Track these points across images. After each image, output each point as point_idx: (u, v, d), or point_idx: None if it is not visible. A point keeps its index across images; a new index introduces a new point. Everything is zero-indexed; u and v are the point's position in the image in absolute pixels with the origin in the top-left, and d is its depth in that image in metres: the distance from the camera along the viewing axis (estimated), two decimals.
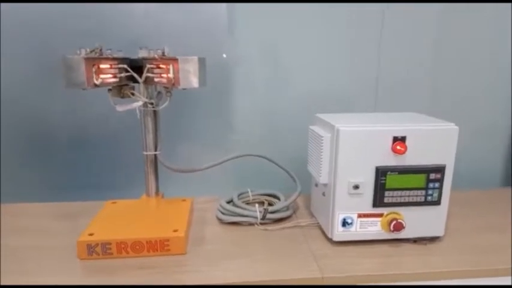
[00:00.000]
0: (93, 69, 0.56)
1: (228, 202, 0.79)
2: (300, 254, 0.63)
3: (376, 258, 0.61)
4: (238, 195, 0.80)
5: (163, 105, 0.64)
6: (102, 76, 0.58)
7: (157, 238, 0.62)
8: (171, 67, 0.57)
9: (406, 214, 0.63)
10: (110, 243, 0.61)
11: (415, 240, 0.65)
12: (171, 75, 0.57)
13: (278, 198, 0.81)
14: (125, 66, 0.64)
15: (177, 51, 0.60)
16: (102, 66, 0.59)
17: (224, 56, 0.85)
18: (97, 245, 0.61)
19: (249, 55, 0.87)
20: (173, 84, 0.58)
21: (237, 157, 0.79)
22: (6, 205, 0.80)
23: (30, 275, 0.57)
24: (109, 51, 0.61)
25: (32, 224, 0.73)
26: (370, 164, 0.61)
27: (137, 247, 0.61)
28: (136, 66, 0.66)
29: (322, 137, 0.63)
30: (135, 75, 0.65)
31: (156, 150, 0.74)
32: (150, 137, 0.73)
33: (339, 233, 0.63)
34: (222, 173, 0.84)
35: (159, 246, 0.62)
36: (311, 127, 0.70)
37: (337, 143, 0.60)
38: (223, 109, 0.90)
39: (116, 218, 0.69)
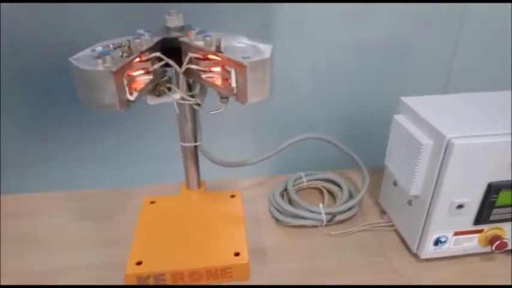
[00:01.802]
0: (125, 82, 0.39)
1: (281, 192, 0.68)
2: (381, 273, 0.54)
3: (471, 280, 0.53)
4: (293, 182, 0.69)
5: (217, 111, 0.48)
6: (136, 82, 0.42)
7: (218, 266, 0.52)
8: (233, 73, 0.40)
9: (508, 228, 0.53)
10: (164, 274, 0.52)
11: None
12: (233, 84, 0.41)
13: (338, 185, 0.70)
14: (159, 54, 0.46)
15: None
16: (134, 67, 0.42)
17: None
18: (149, 277, 0.52)
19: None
20: (235, 95, 0.42)
21: (294, 143, 0.66)
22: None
23: None
24: (138, 40, 0.43)
25: (42, 229, 0.63)
26: (481, 180, 0.49)
27: (195, 276, 0.53)
28: (170, 48, 0.48)
29: (422, 145, 0.49)
30: (174, 64, 0.47)
31: (196, 141, 0.60)
32: (188, 126, 0.59)
33: (429, 251, 0.54)
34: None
35: (220, 274, 0.53)
36: (397, 117, 0.56)
37: (447, 157, 0.47)
38: None
39: (161, 229, 0.59)
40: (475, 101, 0.55)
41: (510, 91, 0.58)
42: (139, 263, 0.52)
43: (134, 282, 0.52)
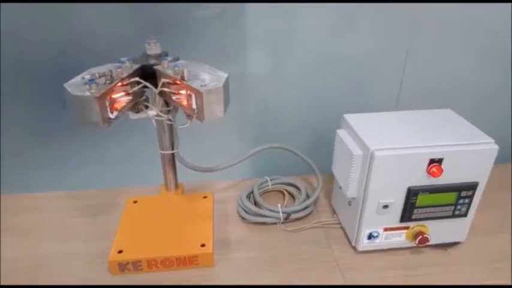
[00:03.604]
0: (107, 104, 0.50)
1: (248, 194, 0.78)
2: (324, 262, 0.65)
3: (400, 270, 0.63)
4: (259, 185, 0.79)
5: (184, 126, 0.58)
6: (116, 103, 0.52)
7: (186, 255, 0.63)
8: (193, 98, 0.51)
9: (431, 225, 0.64)
10: (141, 261, 0.62)
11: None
12: (193, 106, 0.51)
13: (298, 188, 0.80)
14: (137, 79, 0.57)
15: None
16: (116, 91, 0.53)
17: None
18: (128, 263, 0.62)
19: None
20: (196, 114, 0.52)
21: (258, 152, 0.76)
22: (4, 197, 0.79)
23: None
24: (119, 69, 0.54)
25: (41, 223, 0.73)
26: (402, 185, 0.59)
27: (167, 263, 0.63)
28: (148, 73, 0.59)
29: (354, 155, 0.59)
30: (150, 86, 0.58)
31: (173, 149, 0.71)
32: (166, 137, 0.69)
33: (364, 244, 0.65)
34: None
35: (188, 262, 0.63)
36: (339, 132, 0.66)
37: (371, 166, 0.57)
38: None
39: (141, 225, 0.69)
40: (404, 119, 0.66)
41: (437, 110, 0.68)
42: (120, 252, 0.63)
43: (116, 268, 0.62)
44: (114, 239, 0.65)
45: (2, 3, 0.68)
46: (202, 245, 0.64)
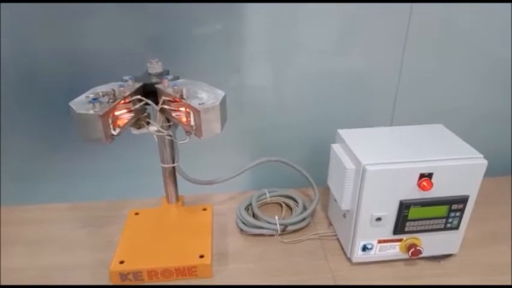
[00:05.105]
0: (110, 121, 0.52)
1: (247, 207, 0.80)
2: (319, 273, 0.66)
3: (394, 281, 0.64)
4: (257, 198, 0.81)
5: (183, 141, 0.61)
6: (119, 120, 0.55)
7: (185, 266, 0.64)
8: (191, 115, 0.54)
9: (424, 238, 0.65)
10: (141, 272, 0.64)
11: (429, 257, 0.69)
12: (192, 123, 0.54)
13: (295, 201, 0.82)
14: (139, 96, 0.59)
15: None
16: (118, 108, 0.55)
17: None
18: (129, 273, 0.64)
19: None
20: (194, 131, 0.55)
21: (256, 165, 0.79)
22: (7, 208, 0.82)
23: None
24: (122, 88, 0.57)
25: (44, 234, 0.75)
26: (394, 199, 0.61)
27: (166, 273, 0.65)
28: (149, 91, 0.62)
29: (347, 169, 0.61)
30: (151, 103, 0.61)
31: (174, 163, 0.73)
32: (167, 151, 0.72)
33: (358, 256, 0.66)
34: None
35: (187, 272, 0.65)
36: (333, 146, 0.68)
37: (363, 179, 0.59)
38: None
39: (142, 236, 0.71)
40: (397, 134, 0.68)
41: (429, 125, 0.71)
42: (121, 262, 0.65)
43: (117, 278, 0.64)
44: (116, 250, 0.67)
45: (1, 3, 0.70)
46: (201, 256, 0.66)
